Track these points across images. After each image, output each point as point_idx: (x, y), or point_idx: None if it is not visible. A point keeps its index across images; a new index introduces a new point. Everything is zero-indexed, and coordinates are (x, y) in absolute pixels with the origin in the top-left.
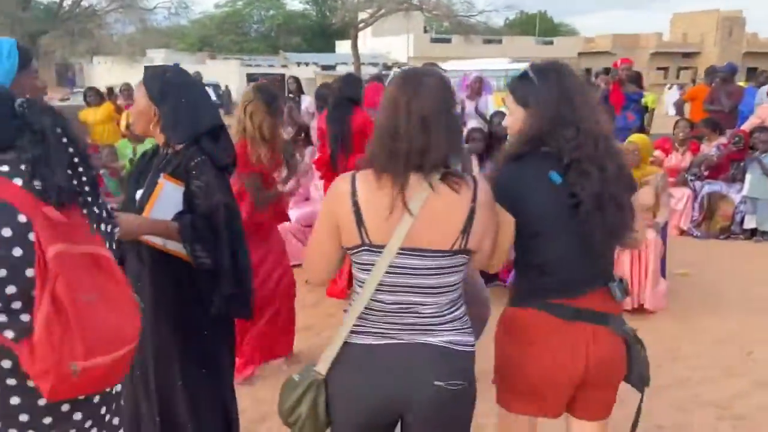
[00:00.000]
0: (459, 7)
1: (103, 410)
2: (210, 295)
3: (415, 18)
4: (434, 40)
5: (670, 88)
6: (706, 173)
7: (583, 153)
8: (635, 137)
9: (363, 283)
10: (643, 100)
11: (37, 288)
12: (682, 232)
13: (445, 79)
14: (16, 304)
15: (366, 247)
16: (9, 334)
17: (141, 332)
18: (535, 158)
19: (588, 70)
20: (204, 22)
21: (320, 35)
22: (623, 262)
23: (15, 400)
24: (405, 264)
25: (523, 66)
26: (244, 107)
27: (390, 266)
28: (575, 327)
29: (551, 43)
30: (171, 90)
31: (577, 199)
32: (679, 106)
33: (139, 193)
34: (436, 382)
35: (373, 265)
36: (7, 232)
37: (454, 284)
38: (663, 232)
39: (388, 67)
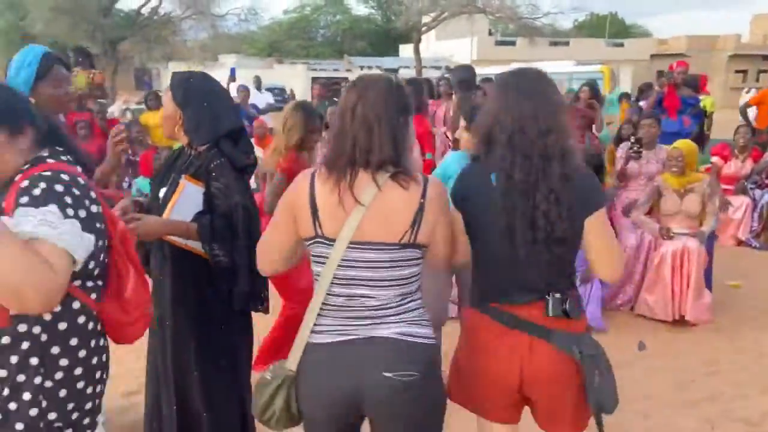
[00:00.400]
0: (523, 9)
1: None
2: (227, 291)
3: (480, 21)
4: (498, 43)
5: (748, 92)
6: (767, 181)
7: (506, 164)
8: (680, 143)
9: (319, 276)
10: (701, 104)
11: (121, 256)
12: (740, 243)
13: (394, 84)
14: (99, 269)
15: (319, 239)
16: (93, 296)
17: (162, 323)
18: (488, 160)
19: (661, 72)
20: (273, 27)
21: (384, 39)
22: (664, 273)
23: (95, 360)
24: (357, 257)
25: (588, 68)
26: (284, 122)
27: (343, 259)
28: (513, 335)
29: (621, 45)
30: (194, 95)
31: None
32: (743, 111)
33: (162, 191)
34: (385, 374)
35: (326, 257)
36: (97, 209)
37: (408, 278)
38: (710, 242)
39: (450, 70)
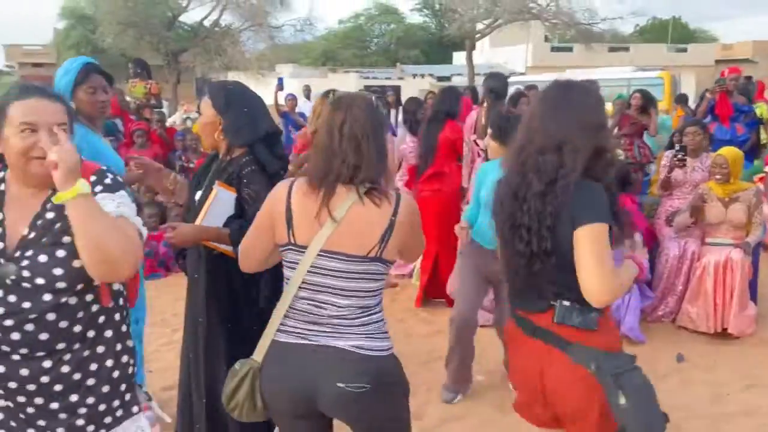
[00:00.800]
0: (580, 15)
1: None
2: (256, 292)
3: (536, 27)
4: (554, 49)
5: None
6: None
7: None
8: (724, 150)
9: (288, 280)
10: (758, 111)
11: None
12: None
13: (372, 103)
14: None
15: (291, 247)
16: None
17: (195, 320)
18: None
19: None
20: (328, 37)
21: (438, 47)
22: (706, 284)
23: (124, 328)
24: (325, 266)
25: (647, 74)
26: (315, 109)
27: (312, 266)
28: (533, 344)
29: (684, 50)
30: (234, 100)
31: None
32: None
33: (198, 195)
34: (338, 384)
35: (297, 263)
36: None
37: (371, 291)
38: (755, 253)
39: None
